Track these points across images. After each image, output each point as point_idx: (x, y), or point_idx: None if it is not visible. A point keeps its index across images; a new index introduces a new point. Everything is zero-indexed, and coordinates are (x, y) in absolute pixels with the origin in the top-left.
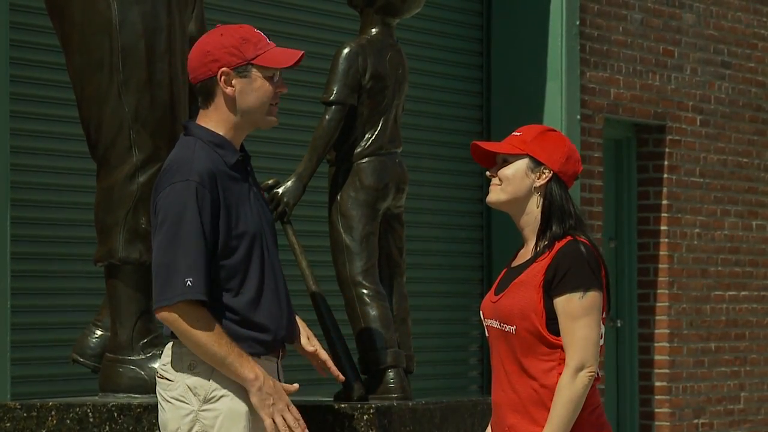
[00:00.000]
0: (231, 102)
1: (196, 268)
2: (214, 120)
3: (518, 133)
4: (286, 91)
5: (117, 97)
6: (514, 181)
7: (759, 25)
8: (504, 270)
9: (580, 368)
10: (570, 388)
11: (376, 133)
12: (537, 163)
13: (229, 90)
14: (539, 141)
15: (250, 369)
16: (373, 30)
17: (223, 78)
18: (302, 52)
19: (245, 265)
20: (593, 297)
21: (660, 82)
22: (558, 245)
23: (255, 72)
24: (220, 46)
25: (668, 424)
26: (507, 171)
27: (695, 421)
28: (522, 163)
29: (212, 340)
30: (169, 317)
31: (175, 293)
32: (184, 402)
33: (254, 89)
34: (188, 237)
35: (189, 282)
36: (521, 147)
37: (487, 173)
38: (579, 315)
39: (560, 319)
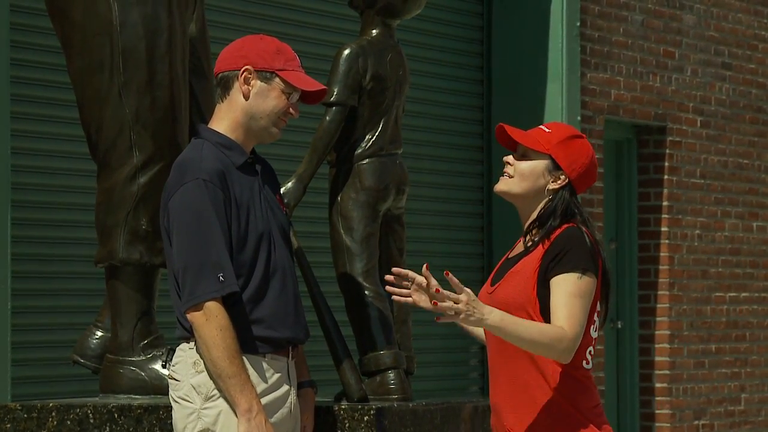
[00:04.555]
0: (244, 101)
1: (224, 262)
2: (226, 118)
3: (547, 130)
4: (297, 117)
5: (118, 98)
6: (529, 178)
7: (759, 27)
8: (501, 261)
9: (572, 342)
10: (550, 338)
11: (376, 134)
12: (556, 167)
13: (245, 88)
14: (565, 145)
15: (248, 399)
16: (374, 31)
17: (244, 75)
18: (325, 86)
19: (251, 262)
20: (589, 282)
21: (660, 83)
22: (557, 232)
23: (277, 81)
24: (254, 48)
25: (669, 425)
26: (524, 166)
27: (696, 422)
28: (541, 163)
29: (227, 355)
30: (199, 318)
31: (209, 289)
32: (188, 401)
33: (270, 96)
34: (209, 233)
35: (221, 276)
36: (546, 146)
37: (504, 158)
38: (576, 294)
39: (554, 293)
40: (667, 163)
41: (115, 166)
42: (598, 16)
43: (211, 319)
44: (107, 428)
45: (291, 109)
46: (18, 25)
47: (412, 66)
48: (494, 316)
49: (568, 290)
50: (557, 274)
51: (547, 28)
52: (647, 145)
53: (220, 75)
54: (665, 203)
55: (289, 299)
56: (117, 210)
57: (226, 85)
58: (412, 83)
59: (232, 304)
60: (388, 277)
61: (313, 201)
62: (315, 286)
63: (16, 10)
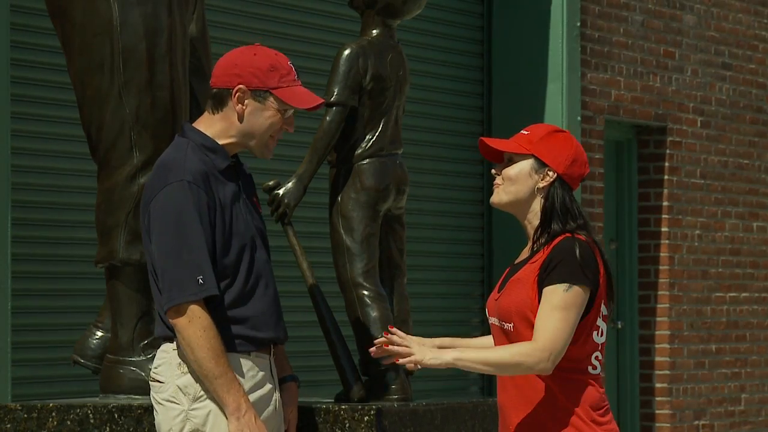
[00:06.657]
0: (239, 122)
1: (204, 265)
2: (216, 128)
3: (526, 132)
4: (292, 131)
5: (118, 98)
6: (517, 182)
7: (760, 27)
8: (508, 268)
9: (547, 353)
10: (517, 354)
11: (376, 134)
12: (541, 164)
13: (239, 108)
14: (546, 142)
15: (236, 398)
16: (374, 31)
17: (237, 95)
18: (322, 100)
19: (236, 264)
20: (577, 294)
21: (661, 83)
22: (555, 242)
23: (271, 101)
24: (248, 65)
25: (669, 425)
26: (510, 171)
27: (696, 422)
28: (526, 164)
29: (212, 355)
30: (181, 320)
31: (188, 292)
32: (174, 402)
33: (264, 116)
34: (191, 235)
35: (201, 279)
36: (527, 147)
37: (492, 171)
38: (559, 306)
39: (540, 306)
40: (667, 164)
41: (116, 166)
42: (599, 16)
43: (194, 321)
44: (107, 428)
45: (286, 125)
46: (18, 25)
47: (413, 66)
48: (448, 353)
49: (552, 302)
50: (546, 286)
51: (547, 29)
52: (647, 145)
53: (214, 90)
54: (665, 203)
55: (271, 300)
56: (117, 210)
57: (220, 101)
58: (413, 83)
59: (216, 305)
60: (380, 340)
61: (313, 201)
62: (315, 285)
63: (17, 10)
